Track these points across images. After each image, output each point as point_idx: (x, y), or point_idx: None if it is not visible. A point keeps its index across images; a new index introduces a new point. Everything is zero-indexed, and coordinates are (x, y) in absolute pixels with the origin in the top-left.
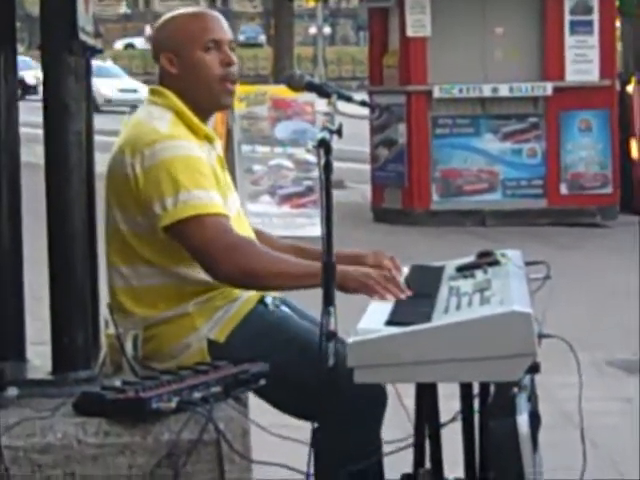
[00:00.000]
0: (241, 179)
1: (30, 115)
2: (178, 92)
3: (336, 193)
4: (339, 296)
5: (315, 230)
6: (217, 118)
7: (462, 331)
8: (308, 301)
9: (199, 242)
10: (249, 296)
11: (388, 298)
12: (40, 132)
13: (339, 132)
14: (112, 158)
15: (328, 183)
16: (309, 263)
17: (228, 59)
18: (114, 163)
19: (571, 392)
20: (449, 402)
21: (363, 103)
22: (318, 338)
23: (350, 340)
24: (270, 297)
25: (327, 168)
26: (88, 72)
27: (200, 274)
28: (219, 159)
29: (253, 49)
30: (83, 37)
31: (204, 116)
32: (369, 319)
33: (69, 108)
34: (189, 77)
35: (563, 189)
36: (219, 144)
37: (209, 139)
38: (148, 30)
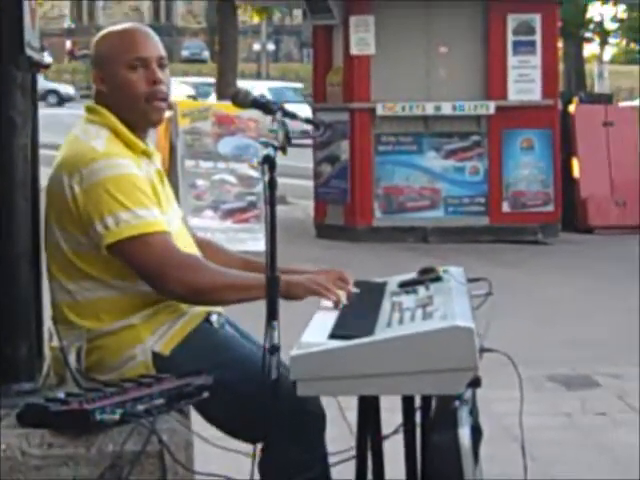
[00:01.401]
0: (184, 194)
1: None
2: (110, 109)
3: (279, 208)
4: (283, 309)
5: (257, 245)
6: (160, 133)
7: (405, 345)
8: (250, 315)
9: (144, 261)
10: (195, 312)
11: (333, 299)
12: None
13: (283, 149)
14: (50, 177)
15: (272, 199)
16: (254, 276)
17: (154, 77)
18: (52, 182)
19: (511, 406)
20: (391, 415)
21: (308, 121)
22: (260, 358)
23: (293, 353)
24: (215, 315)
25: (272, 184)
26: (34, 87)
27: (145, 287)
28: (158, 173)
29: (197, 65)
30: (29, 52)
31: (140, 132)
32: (312, 332)
33: (15, 122)
34: (116, 95)
35: (505, 207)
36: (158, 158)
37: (147, 154)
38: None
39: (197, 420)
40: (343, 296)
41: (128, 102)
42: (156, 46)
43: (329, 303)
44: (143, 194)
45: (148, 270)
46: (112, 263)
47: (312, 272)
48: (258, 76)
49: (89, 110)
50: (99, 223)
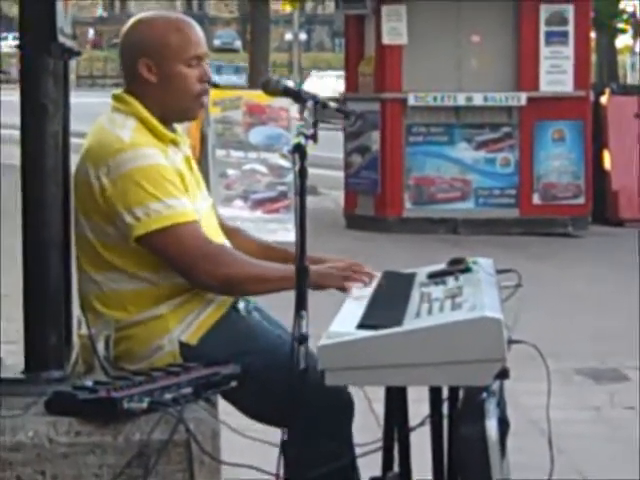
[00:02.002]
0: (215, 183)
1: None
2: (149, 99)
3: (309, 199)
4: (311, 299)
5: (287, 235)
6: (192, 122)
7: (433, 335)
8: (278, 305)
9: (175, 253)
10: (222, 301)
11: (365, 280)
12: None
13: (314, 138)
14: (76, 167)
15: (303, 188)
16: (284, 267)
17: (207, 76)
18: (78, 172)
19: (538, 400)
20: (418, 406)
21: (339, 110)
22: (288, 346)
23: (321, 342)
24: (243, 303)
25: (302, 173)
26: (66, 74)
27: (172, 279)
28: (186, 159)
29: (229, 54)
30: (62, 39)
31: (170, 123)
32: (341, 322)
33: (47, 109)
34: (167, 88)
35: (536, 199)
36: (186, 144)
37: (174, 142)
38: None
39: (225, 410)
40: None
41: (178, 96)
42: (205, 42)
43: (358, 292)
44: (172, 184)
45: (179, 261)
46: (139, 255)
47: (337, 261)
48: (290, 66)
49: (116, 98)
50: (128, 214)
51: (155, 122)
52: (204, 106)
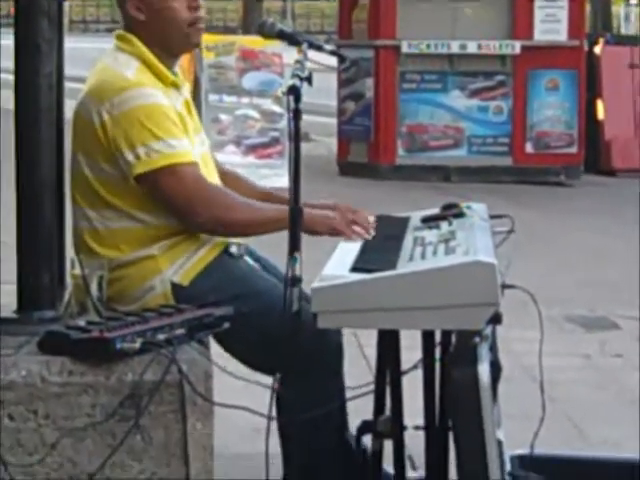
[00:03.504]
0: (207, 128)
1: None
2: (146, 38)
3: (302, 146)
4: (305, 244)
5: (279, 181)
6: (185, 67)
7: (426, 279)
8: (272, 247)
9: (174, 193)
10: (214, 243)
11: (354, 238)
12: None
13: (309, 80)
14: (78, 103)
15: (297, 129)
16: (280, 207)
17: (195, 3)
18: (80, 109)
19: (529, 346)
20: (411, 354)
21: (333, 52)
22: (281, 289)
23: (314, 285)
24: (235, 246)
25: (296, 115)
26: (60, 15)
27: (166, 220)
28: (186, 103)
29: (222, 1)
30: None
31: (171, 61)
32: (334, 265)
33: (41, 49)
34: (157, 23)
35: (528, 147)
36: (186, 88)
37: (175, 85)
38: None
39: (217, 352)
40: (363, 234)
41: (169, 29)
42: None
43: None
44: (173, 124)
45: (178, 202)
46: (135, 194)
47: (332, 206)
48: (283, 13)
49: (120, 38)
50: (129, 152)
51: (157, 63)
52: (202, 31)
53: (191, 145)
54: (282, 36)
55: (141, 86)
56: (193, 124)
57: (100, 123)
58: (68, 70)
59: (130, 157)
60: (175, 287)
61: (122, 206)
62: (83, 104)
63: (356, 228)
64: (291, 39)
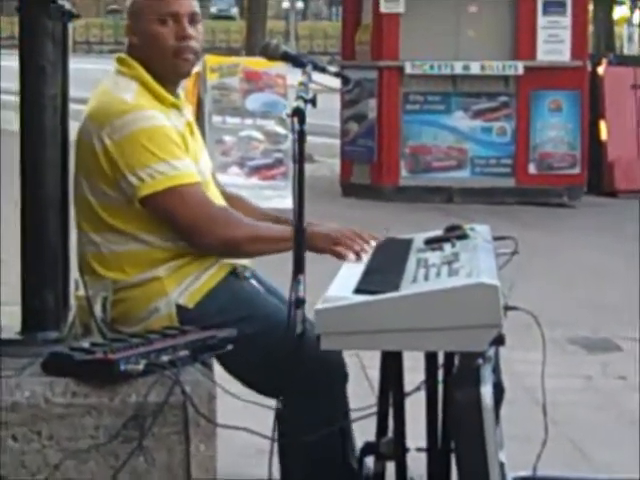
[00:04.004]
0: (211, 150)
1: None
2: (142, 61)
3: (306, 167)
4: (309, 265)
5: (283, 202)
6: (188, 88)
7: (429, 301)
8: (275, 269)
9: (180, 214)
10: (220, 266)
11: (355, 254)
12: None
13: (313, 102)
14: (79, 128)
15: (301, 151)
16: (286, 228)
17: (183, 33)
18: (81, 133)
19: (531, 368)
20: (413, 375)
21: (337, 74)
22: (284, 313)
23: (317, 307)
24: (241, 269)
25: (301, 137)
26: (65, 37)
27: (170, 241)
28: (188, 125)
29: (225, 22)
30: (61, 1)
31: (170, 84)
32: (337, 287)
33: (45, 71)
34: (146, 48)
35: (531, 168)
36: (188, 110)
37: (176, 106)
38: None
39: (220, 374)
40: (365, 250)
41: (156, 55)
42: (189, 2)
43: (353, 257)
44: (175, 145)
45: (184, 223)
46: (140, 217)
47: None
48: (286, 34)
49: (120, 61)
50: (132, 176)
51: (156, 86)
52: (191, 61)
53: (194, 166)
54: (286, 58)
55: (141, 109)
56: (196, 145)
57: (101, 148)
58: (71, 91)
59: (133, 180)
60: (180, 309)
61: (126, 229)
62: (84, 128)
63: (357, 241)
64: (295, 61)
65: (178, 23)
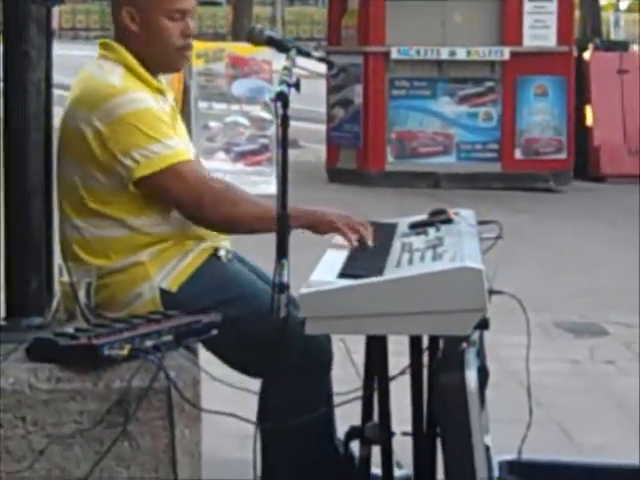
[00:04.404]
0: (197, 136)
1: None
2: (132, 49)
3: (290, 152)
4: (293, 249)
5: (269, 188)
6: (174, 74)
7: (414, 285)
8: (257, 252)
9: (180, 190)
10: (202, 248)
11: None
12: None
13: (297, 86)
14: (65, 113)
15: (285, 136)
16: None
17: (188, 31)
18: (68, 118)
19: (517, 352)
20: (398, 359)
21: (322, 59)
22: (268, 294)
23: (302, 291)
24: (223, 250)
25: (284, 121)
26: (49, 22)
27: (155, 226)
28: (172, 109)
29: (212, 8)
30: None
31: (156, 73)
32: (322, 271)
33: (29, 57)
34: (148, 39)
35: (518, 153)
36: (171, 96)
37: (160, 91)
38: None
39: (205, 358)
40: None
41: (159, 48)
42: None
43: (340, 241)
44: (167, 125)
45: (185, 199)
46: (129, 201)
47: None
48: (273, 20)
49: (103, 46)
50: (127, 158)
51: (141, 70)
52: (188, 60)
53: (185, 145)
54: (271, 42)
55: (129, 91)
56: (181, 131)
57: (92, 132)
58: (57, 77)
59: (129, 162)
60: (164, 293)
61: (112, 213)
62: (70, 114)
63: (363, 231)
64: (280, 45)
65: (184, 20)
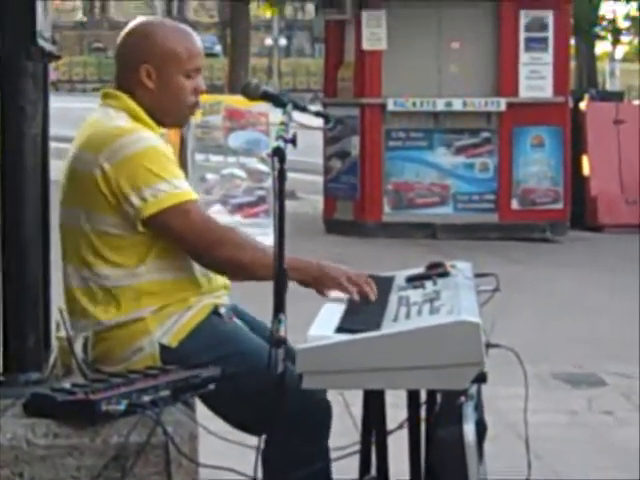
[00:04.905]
0: (194, 187)
1: None
2: (144, 102)
3: (288, 203)
4: (294, 303)
5: (266, 240)
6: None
7: (411, 339)
8: (257, 308)
9: (187, 229)
10: (203, 305)
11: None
12: None
13: (294, 141)
14: (73, 158)
15: (282, 191)
16: (292, 257)
17: (201, 89)
18: (76, 163)
19: (515, 404)
20: (396, 412)
21: (318, 114)
22: (266, 350)
23: (300, 346)
24: (224, 308)
25: (281, 176)
26: (45, 77)
27: (159, 273)
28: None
29: (209, 59)
30: (41, 42)
31: (160, 125)
32: (319, 326)
33: (26, 112)
34: (163, 96)
35: (514, 204)
36: (169, 146)
37: (163, 138)
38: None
39: (202, 413)
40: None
41: (172, 106)
42: (203, 55)
43: (338, 294)
44: (173, 164)
45: (191, 238)
46: (136, 245)
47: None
48: (269, 71)
49: (106, 95)
50: (135, 196)
51: (145, 117)
52: (194, 115)
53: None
54: (266, 97)
55: (136, 131)
56: None
57: (101, 174)
58: (54, 130)
59: (136, 201)
60: (163, 349)
61: (119, 260)
62: (78, 158)
63: (366, 287)
64: (275, 100)
65: (197, 78)
